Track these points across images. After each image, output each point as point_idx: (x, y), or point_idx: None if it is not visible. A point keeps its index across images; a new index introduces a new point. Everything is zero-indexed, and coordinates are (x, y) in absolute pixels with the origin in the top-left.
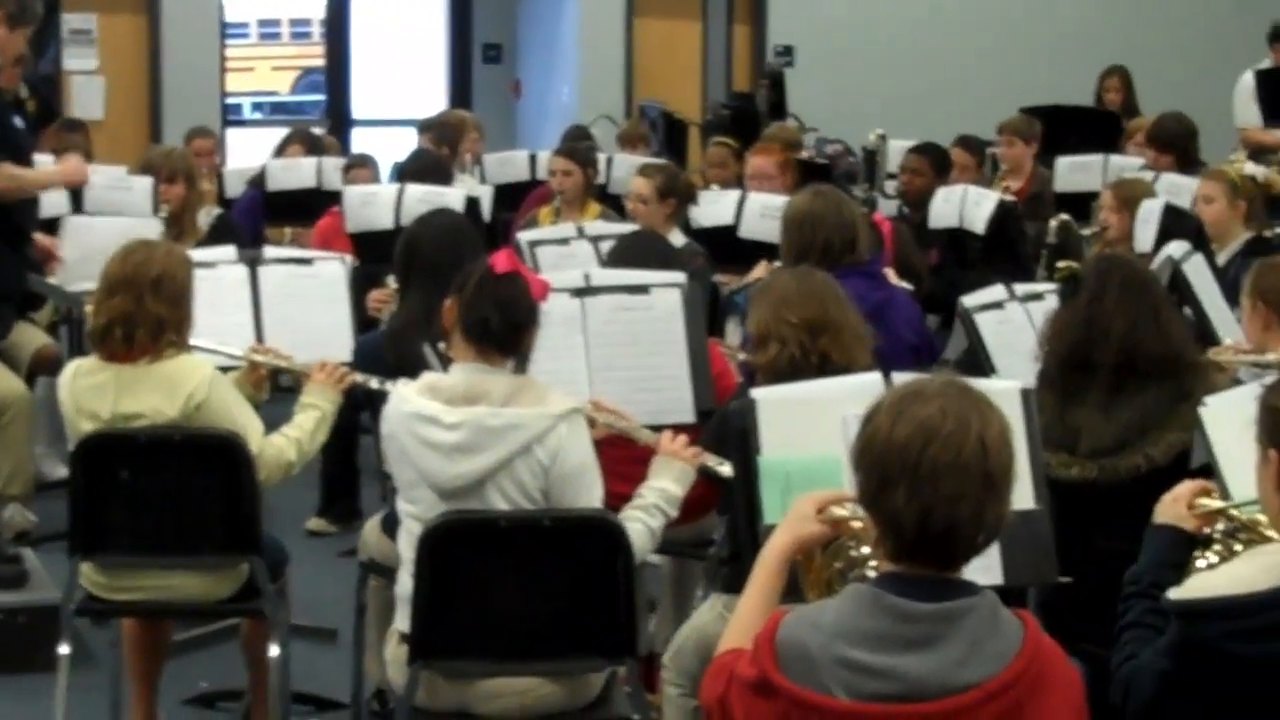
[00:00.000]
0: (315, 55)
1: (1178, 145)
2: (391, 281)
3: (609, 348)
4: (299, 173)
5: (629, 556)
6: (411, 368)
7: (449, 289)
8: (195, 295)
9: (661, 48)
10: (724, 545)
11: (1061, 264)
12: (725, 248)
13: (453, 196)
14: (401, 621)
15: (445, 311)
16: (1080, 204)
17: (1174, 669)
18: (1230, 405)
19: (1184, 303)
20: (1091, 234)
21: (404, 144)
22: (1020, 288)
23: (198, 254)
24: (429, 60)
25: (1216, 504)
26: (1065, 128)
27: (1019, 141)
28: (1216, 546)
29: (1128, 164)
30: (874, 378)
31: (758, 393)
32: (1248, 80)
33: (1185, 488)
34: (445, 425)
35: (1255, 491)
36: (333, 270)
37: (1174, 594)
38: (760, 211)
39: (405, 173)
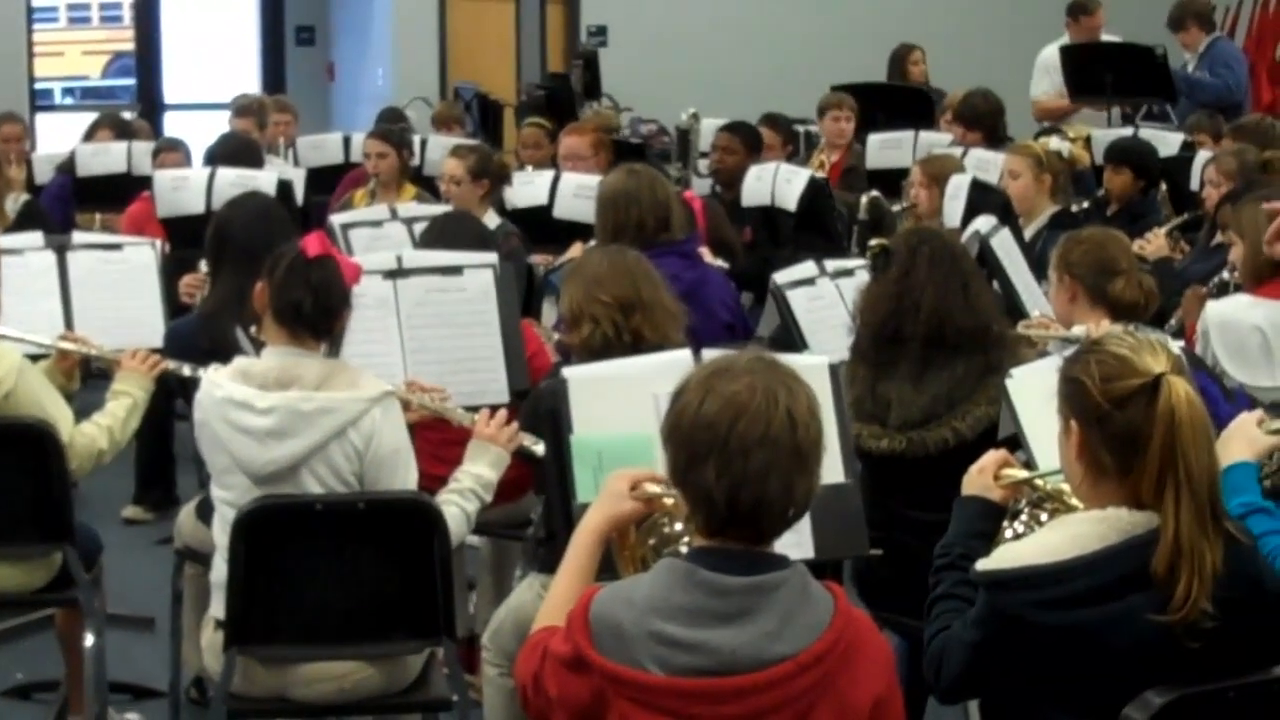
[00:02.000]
0: (125, 39)
1: (985, 122)
2: (204, 266)
3: (422, 329)
4: (109, 158)
5: (445, 538)
6: (224, 352)
7: (261, 272)
8: (2, 283)
9: (475, 29)
10: (541, 525)
11: (874, 240)
12: (540, 228)
13: (264, 180)
14: (217, 608)
15: (256, 295)
16: (891, 180)
17: (983, 640)
18: (1034, 377)
19: (992, 277)
20: (902, 209)
21: (218, 128)
22: (831, 264)
23: (4, 240)
24: (241, 43)
25: (1021, 474)
26: (874, 106)
27: (844, 116)
28: (1023, 516)
29: (937, 140)
30: (684, 355)
31: (568, 372)
32: (1048, 54)
33: (990, 459)
34: (257, 410)
35: (1059, 462)
36: (143, 256)
37: (982, 565)
38: (574, 191)
39: (216, 156)
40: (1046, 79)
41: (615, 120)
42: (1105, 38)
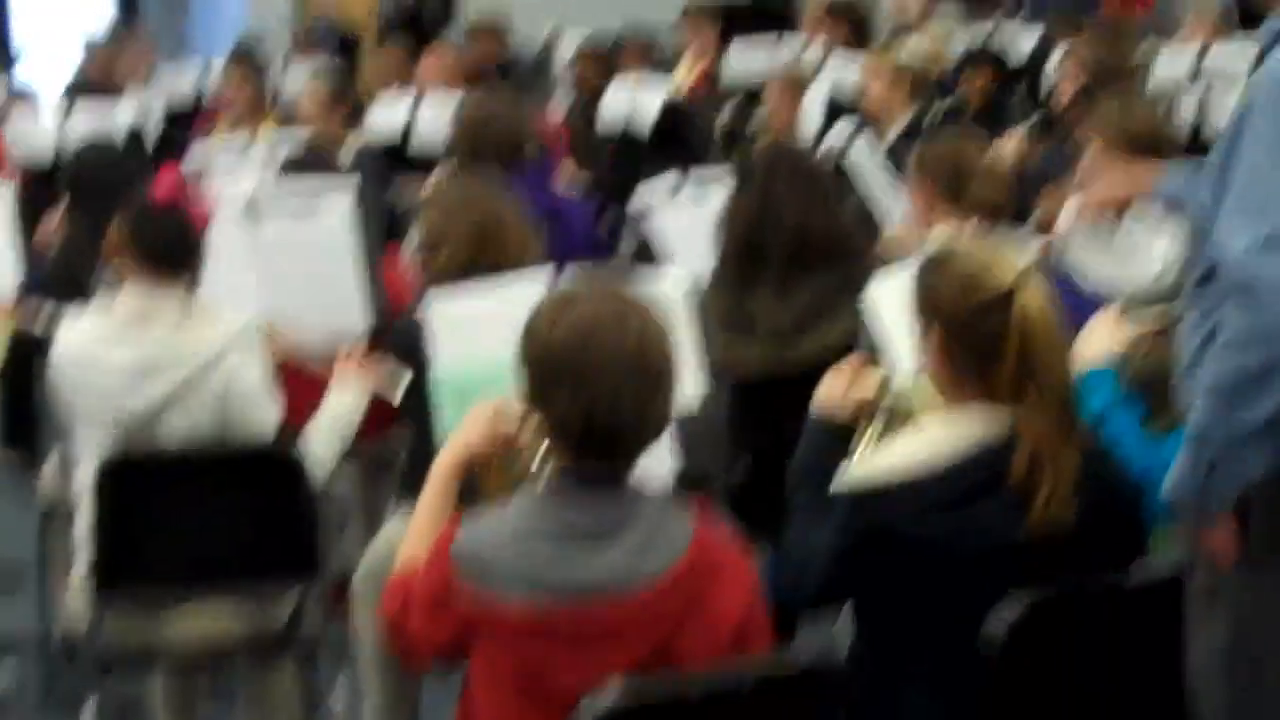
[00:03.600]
0: None
1: (852, 17)
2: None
3: (280, 264)
4: None
5: (310, 478)
6: (82, 294)
7: (116, 212)
8: None
9: None
10: (409, 458)
11: (737, 149)
12: (402, 153)
13: (118, 121)
14: (82, 561)
15: (111, 235)
16: (751, 89)
17: (844, 551)
18: (891, 285)
19: (851, 187)
20: (759, 122)
21: (73, 64)
22: (692, 177)
23: None
24: None
25: (872, 385)
26: (732, 24)
27: (706, 27)
28: (877, 427)
29: (797, 49)
30: (542, 279)
31: (429, 301)
32: None
33: (839, 375)
34: (118, 350)
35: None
36: None
37: (840, 477)
38: (434, 115)
39: (70, 96)
40: None
41: (506, 23)
42: None
